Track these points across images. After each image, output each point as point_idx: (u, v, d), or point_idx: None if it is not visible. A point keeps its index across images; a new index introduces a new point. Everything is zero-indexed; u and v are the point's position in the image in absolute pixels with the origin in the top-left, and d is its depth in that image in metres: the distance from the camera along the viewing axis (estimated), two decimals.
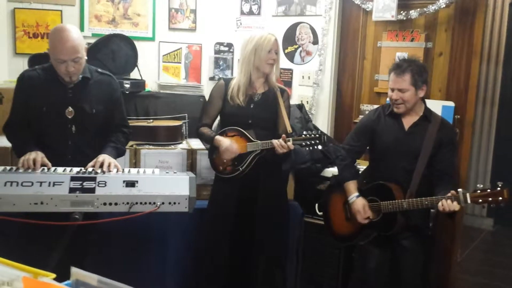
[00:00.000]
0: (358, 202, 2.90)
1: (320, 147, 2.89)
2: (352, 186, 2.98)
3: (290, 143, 2.83)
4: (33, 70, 2.77)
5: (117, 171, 2.57)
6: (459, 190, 2.56)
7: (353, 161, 3.09)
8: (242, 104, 2.99)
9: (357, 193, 2.94)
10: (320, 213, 3.33)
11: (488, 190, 2.49)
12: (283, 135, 2.85)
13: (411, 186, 2.76)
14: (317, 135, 2.83)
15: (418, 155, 2.79)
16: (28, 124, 2.72)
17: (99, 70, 2.85)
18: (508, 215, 5.52)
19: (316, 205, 3.45)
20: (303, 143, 2.85)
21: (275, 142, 2.85)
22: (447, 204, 2.55)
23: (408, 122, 2.88)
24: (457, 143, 2.94)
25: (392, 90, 2.82)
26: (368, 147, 3.09)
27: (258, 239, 3.06)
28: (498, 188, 2.47)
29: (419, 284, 2.91)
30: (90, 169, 2.55)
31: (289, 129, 2.95)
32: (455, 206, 2.53)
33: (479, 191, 2.51)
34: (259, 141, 2.94)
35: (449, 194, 2.57)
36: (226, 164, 3.02)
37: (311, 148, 2.88)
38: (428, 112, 2.89)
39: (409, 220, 2.80)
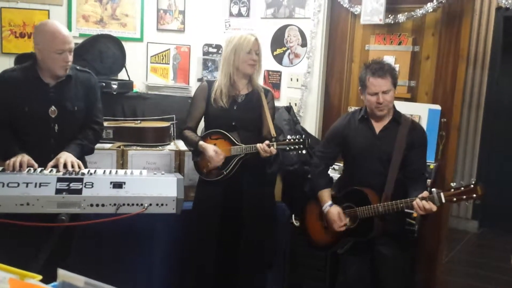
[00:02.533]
0: (332, 211, 2.87)
1: (304, 151, 2.88)
2: (325, 194, 2.96)
3: (273, 148, 2.83)
4: (13, 71, 2.77)
5: (79, 171, 2.56)
6: (433, 190, 2.56)
7: (326, 168, 3.08)
8: (225, 106, 2.98)
9: (330, 202, 2.91)
10: (297, 224, 3.30)
11: (462, 188, 2.47)
12: (266, 141, 2.85)
13: (386, 190, 2.74)
14: (301, 140, 2.83)
15: (391, 158, 2.78)
16: (9, 124, 2.71)
17: (78, 67, 2.86)
18: (493, 217, 5.59)
19: (293, 216, 3.42)
20: (287, 148, 2.86)
21: (259, 146, 2.85)
22: (422, 205, 2.54)
23: (378, 125, 2.86)
24: (427, 144, 2.95)
25: (375, 93, 2.75)
26: (341, 153, 3.07)
27: (243, 242, 3.06)
28: (472, 186, 2.45)
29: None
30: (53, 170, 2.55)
31: (273, 132, 2.94)
32: (430, 206, 2.52)
33: (452, 190, 2.50)
34: (243, 145, 2.93)
35: (423, 195, 2.56)
36: (210, 167, 3.02)
37: (295, 152, 2.88)
38: (397, 115, 2.88)
39: (387, 223, 2.78)
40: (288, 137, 2.89)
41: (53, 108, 2.69)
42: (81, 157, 2.73)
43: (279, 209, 3.46)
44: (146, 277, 3.33)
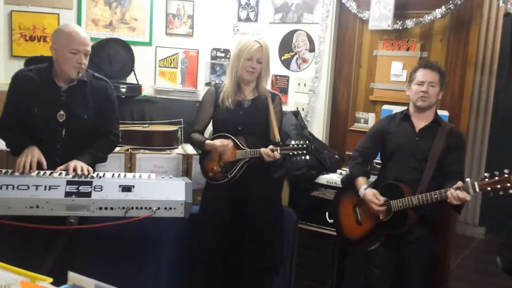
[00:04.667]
0: (368, 193, 2.92)
1: (308, 157, 2.89)
2: (361, 180, 3.03)
3: (276, 153, 2.84)
4: (28, 71, 2.75)
5: (88, 174, 2.57)
6: (467, 179, 2.59)
7: (364, 162, 3.13)
8: (231, 107, 3.00)
9: (365, 186, 2.98)
10: (331, 221, 3.31)
11: (496, 178, 2.51)
12: (270, 145, 2.87)
13: (421, 185, 2.80)
14: (305, 145, 2.84)
15: (427, 157, 2.85)
16: (21, 123, 2.71)
17: (96, 74, 2.84)
18: (500, 223, 5.54)
19: (327, 213, 3.42)
20: (291, 153, 2.87)
21: (263, 150, 2.86)
22: (456, 194, 2.57)
23: (419, 125, 2.95)
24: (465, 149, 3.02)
25: (422, 83, 2.88)
26: (379, 151, 3.13)
27: (249, 246, 3.06)
28: (506, 175, 2.49)
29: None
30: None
31: (277, 137, 2.95)
32: (464, 195, 2.56)
33: (487, 179, 2.53)
34: (248, 149, 2.94)
35: (457, 185, 2.60)
36: (215, 170, 3.03)
37: (298, 158, 2.90)
38: (438, 118, 2.98)
39: (422, 213, 2.81)
40: (292, 142, 2.90)
41: (62, 112, 2.68)
42: (91, 164, 2.72)
43: (285, 214, 3.46)
44: (153, 280, 3.33)
